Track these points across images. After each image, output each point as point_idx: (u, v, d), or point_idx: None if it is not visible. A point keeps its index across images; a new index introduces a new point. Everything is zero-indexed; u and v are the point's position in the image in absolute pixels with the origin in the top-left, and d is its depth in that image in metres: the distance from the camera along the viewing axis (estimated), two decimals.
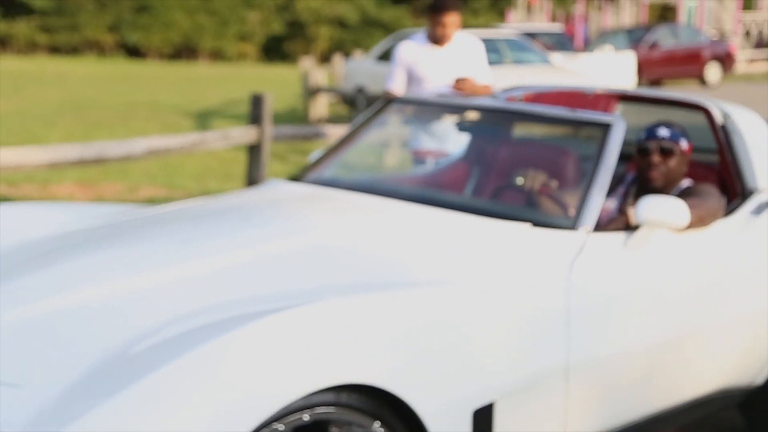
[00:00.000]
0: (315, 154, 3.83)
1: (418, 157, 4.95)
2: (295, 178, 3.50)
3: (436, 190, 3.39)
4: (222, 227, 2.87)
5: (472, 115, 3.66)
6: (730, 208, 3.39)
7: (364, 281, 2.56)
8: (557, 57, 15.19)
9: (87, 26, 35.93)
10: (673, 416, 3.20)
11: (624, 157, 3.59)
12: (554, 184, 3.21)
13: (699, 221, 3.12)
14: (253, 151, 6.77)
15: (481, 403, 2.51)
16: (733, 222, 3.32)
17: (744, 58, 27.75)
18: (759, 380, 3.46)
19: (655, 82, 22.00)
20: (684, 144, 3.35)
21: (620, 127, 3.11)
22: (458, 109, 3.67)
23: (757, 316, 3.31)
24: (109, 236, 2.87)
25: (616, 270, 2.91)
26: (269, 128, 6.72)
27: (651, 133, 3.38)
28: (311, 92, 13.79)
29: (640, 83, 19.94)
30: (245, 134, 6.65)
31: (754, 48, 29.20)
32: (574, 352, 2.74)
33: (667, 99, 3.81)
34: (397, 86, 5.21)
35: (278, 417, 2.10)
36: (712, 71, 22.53)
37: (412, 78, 5.20)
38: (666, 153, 3.33)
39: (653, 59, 21.86)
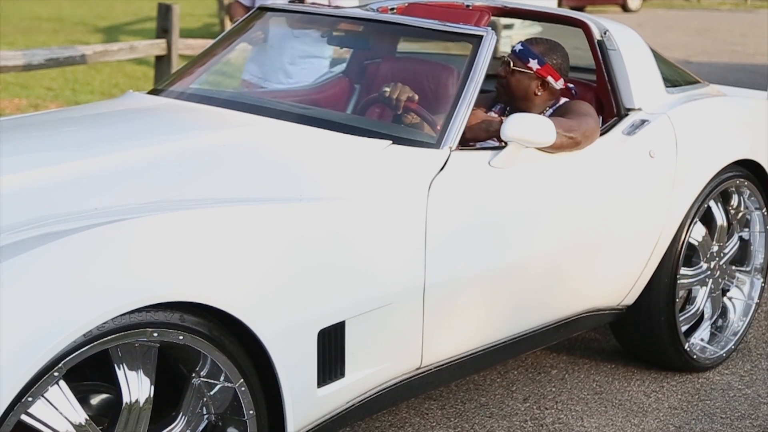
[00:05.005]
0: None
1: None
2: (156, 90, 3.33)
3: (299, 105, 3.26)
4: (63, 137, 2.73)
5: (343, 28, 3.53)
6: (604, 128, 3.32)
7: (207, 196, 2.44)
8: None
9: None
10: (540, 336, 3.18)
11: None
12: (418, 98, 3.10)
13: (572, 142, 3.04)
14: (161, 63, 6.55)
15: (328, 323, 2.44)
16: (606, 142, 3.25)
17: None
18: (629, 300, 3.45)
19: (577, 8, 21.91)
20: (534, 64, 3.23)
21: (490, 40, 3.01)
22: (327, 21, 3.52)
23: (627, 236, 3.28)
24: None
25: (478, 189, 2.83)
26: (177, 40, 6.50)
27: (513, 47, 3.29)
28: (226, 8, 13.44)
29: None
30: (152, 46, 6.42)
31: None
32: (431, 272, 2.67)
33: (545, 14, 3.71)
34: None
35: (107, 333, 1.98)
36: None
37: None
38: (509, 68, 3.25)
39: None
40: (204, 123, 2.92)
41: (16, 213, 2.22)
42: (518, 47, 3.27)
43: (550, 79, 3.25)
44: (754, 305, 3.80)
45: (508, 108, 3.38)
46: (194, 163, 2.61)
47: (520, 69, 3.24)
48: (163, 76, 6.46)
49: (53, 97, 8.92)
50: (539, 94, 3.27)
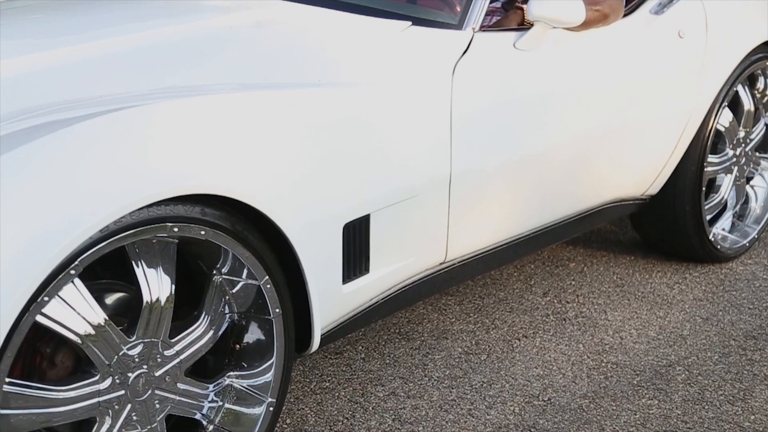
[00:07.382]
0: None
1: None
2: None
3: None
4: (56, 22, 2.53)
5: None
6: (630, 7, 3.13)
7: (224, 81, 2.25)
8: None
9: None
10: (564, 228, 3.05)
11: None
12: None
13: (600, 14, 2.83)
14: None
15: (353, 216, 2.29)
16: (633, 21, 3.07)
17: None
18: (653, 190, 3.32)
19: None
20: None
21: None
22: None
23: (655, 121, 3.12)
24: None
25: (504, 72, 2.65)
26: None
27: None
28: None
29: None
30: None
31: None
32: (457, 161, 2.51)
33: None
34: None
35: (125, 228, 1.82)
36: None
37: None
38: None
39: None
40: (205, 5, 2.72)
41: (15, 100, 2.03)
42: None
43: None
44: None
45: None
46: (201, 47, 2.41)
47: None
48: None
49: None
50: None
